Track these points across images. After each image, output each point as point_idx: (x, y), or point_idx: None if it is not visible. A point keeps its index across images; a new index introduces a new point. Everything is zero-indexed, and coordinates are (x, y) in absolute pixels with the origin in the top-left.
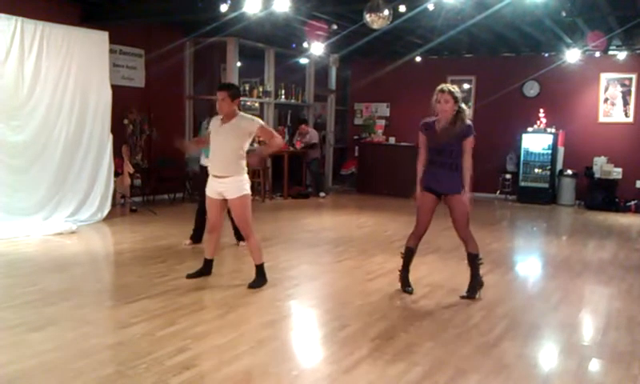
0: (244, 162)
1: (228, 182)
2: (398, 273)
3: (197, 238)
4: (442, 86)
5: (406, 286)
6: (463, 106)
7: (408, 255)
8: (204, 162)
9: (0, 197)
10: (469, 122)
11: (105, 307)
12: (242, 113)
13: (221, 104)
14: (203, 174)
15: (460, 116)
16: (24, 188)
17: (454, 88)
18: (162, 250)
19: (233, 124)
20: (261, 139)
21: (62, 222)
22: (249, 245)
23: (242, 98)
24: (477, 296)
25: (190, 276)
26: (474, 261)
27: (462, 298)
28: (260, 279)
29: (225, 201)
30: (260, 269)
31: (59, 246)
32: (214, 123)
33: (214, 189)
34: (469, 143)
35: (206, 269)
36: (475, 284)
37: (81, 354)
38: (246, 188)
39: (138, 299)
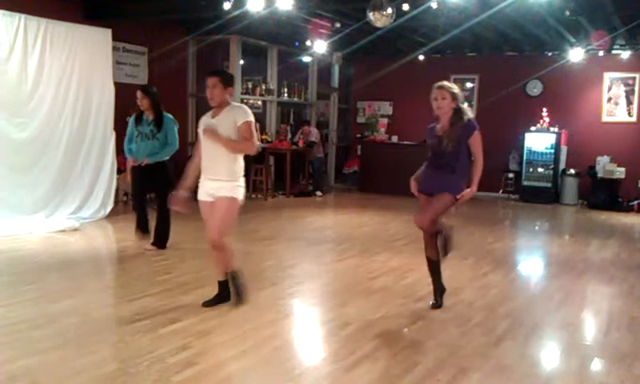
0: (241, 163)
1: (222, 183)
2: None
3: (160, 242)
4: (440, 82)
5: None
6: (463, 105)
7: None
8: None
9: (3, 194)
10: (468, 116)
11: (107, 305)
12: (234, 103)
13: (212, 91)
14: (134, 172)
15: (458, 115)
16: (27, 185)
17: (452, 85)
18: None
19: (223, 116)
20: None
21: (64, 219)
22: (219, 256)
23: (245, 96)
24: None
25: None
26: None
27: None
28: (223, 295)
29: None
30: (225, 284)
31: (62, 244)
32: (204, 121)
33: (205, 190)
34: (475, 141)
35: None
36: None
37: (83, 351)
38: (240, 192)
39: (140, 297)
